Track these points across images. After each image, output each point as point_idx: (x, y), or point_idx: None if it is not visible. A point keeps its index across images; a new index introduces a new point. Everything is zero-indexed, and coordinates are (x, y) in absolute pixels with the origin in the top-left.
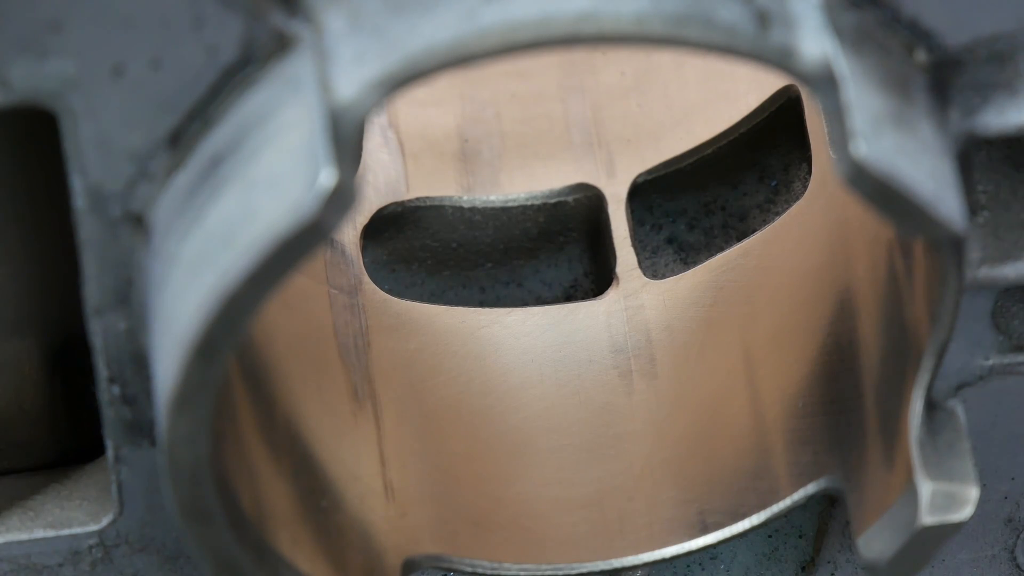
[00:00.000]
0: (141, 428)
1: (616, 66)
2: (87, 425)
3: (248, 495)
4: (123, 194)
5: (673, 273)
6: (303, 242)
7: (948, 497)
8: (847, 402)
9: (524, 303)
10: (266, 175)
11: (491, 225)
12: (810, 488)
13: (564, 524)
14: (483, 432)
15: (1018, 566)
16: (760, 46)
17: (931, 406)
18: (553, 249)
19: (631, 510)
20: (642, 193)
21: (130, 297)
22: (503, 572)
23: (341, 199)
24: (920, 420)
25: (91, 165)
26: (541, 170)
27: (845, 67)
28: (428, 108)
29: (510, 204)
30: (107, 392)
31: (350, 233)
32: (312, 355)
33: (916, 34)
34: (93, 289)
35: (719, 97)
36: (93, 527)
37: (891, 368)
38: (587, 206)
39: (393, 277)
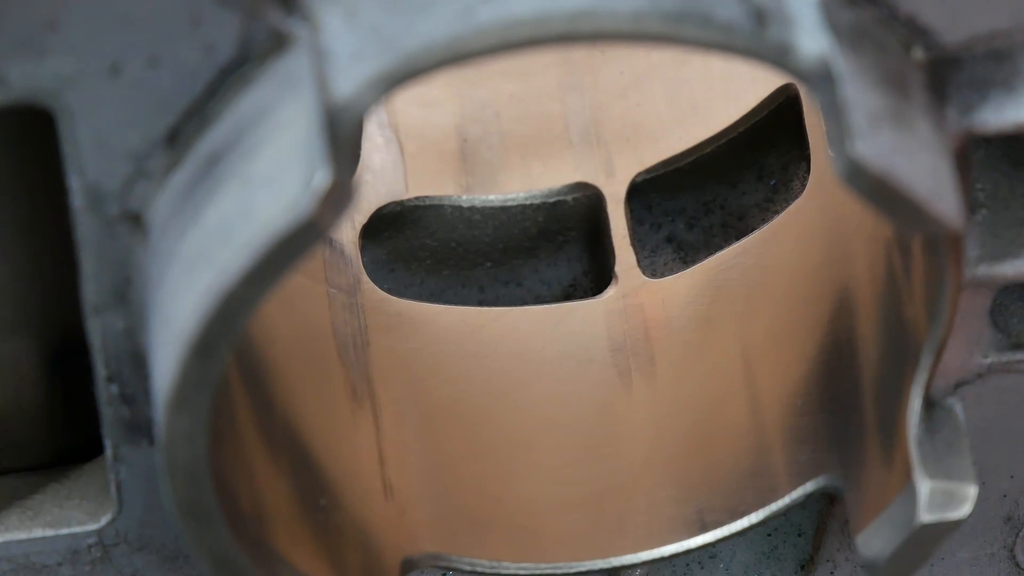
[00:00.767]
0: (140, 427)
1: (615, 65)
2: (86, 424)
3: (247, 494)
4: (121, 193)
5: (672, 272)
6: (300, 241)
7: (947, 495)
8: (846, 400)
9: (523, 302)
10: (263, 173)
11: (490, 224)
12: (809, 486)
13: (563, 523)
14: (482, 431)
15: (1017, 564)
16: (757, 43)
17: (930, 404)
18: (552, 248)
19: (630, 509)
20: (641, 192)
21: (128, 296)
22: (502, 571)
23: (338, 197)
24: (919, 418)
25: (89, 164)
26: (540, 169)
27: (842, 64)
28: (427, 107)
29: (509, 203)
30: (105, 391)
31: (349, 232)
32: (311, 354)
33: (913, 31)
34: (91, 288)
35: (718, 96)
36: (92, 526)
37: (890, 366)
38: (586, 205)
39: (392, 276)
